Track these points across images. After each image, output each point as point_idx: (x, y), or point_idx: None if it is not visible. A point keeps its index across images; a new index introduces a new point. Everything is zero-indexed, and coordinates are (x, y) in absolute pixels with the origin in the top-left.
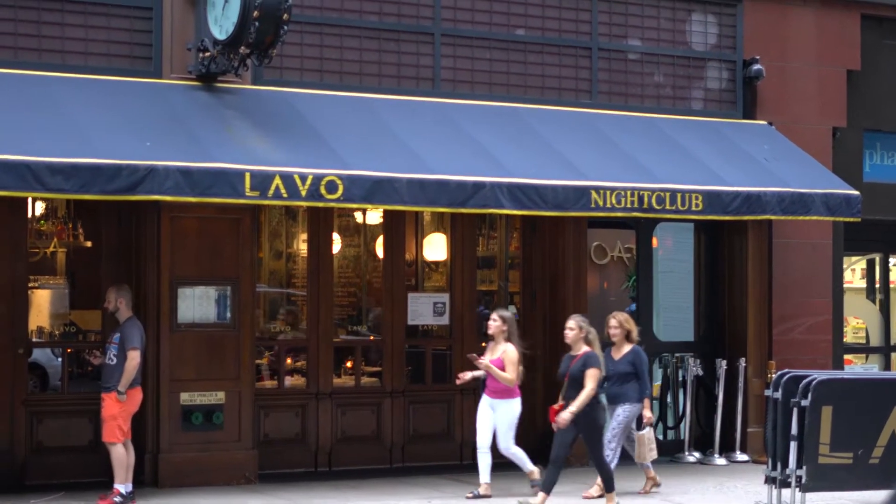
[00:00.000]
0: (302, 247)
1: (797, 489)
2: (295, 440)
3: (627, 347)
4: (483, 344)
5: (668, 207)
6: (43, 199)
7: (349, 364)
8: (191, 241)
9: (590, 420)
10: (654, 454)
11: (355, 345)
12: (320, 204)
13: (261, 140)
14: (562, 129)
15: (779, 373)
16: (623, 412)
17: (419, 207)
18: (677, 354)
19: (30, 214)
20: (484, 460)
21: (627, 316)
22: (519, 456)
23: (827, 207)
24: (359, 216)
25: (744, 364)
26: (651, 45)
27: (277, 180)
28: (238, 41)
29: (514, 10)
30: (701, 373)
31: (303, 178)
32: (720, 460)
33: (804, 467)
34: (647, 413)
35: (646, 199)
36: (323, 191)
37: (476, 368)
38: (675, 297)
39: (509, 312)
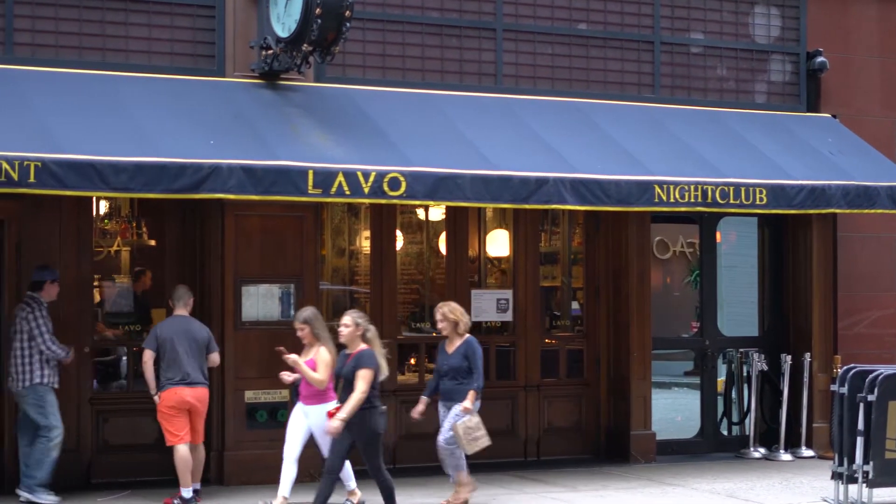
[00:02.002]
0: (364, 244)
1: (864, 485)
2: None
3: (459, 340)
4: (547, 340)
5: (731, 202)
6: (107, 199)
7: (413, 361)
8: (254, 239)
9: (364, 426)
10: (479, 444)
11: (419, 342)
12: (383, 201)
13: (323, 137)
14: (624, 124)
15: (844, 367)
16: (456, 410)
17: (482, 203)
18: (742, 350)
19: (94, 213)
20: (288, 472)
21: (454, 306)
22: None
23: (892, 200)
24: (421, 213)
25: (809, 359)
26: (714, 38)
27: (340, 177)
28: (300, 39)
29: (575, 5)
30: (766, 368)
31: (366, 175)
32: (786, 456)
33: (871, 462)
34: (466, 404)
35: (709, 194)
36: (386, 188)
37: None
38: (739, 292)
39: (310, 312)
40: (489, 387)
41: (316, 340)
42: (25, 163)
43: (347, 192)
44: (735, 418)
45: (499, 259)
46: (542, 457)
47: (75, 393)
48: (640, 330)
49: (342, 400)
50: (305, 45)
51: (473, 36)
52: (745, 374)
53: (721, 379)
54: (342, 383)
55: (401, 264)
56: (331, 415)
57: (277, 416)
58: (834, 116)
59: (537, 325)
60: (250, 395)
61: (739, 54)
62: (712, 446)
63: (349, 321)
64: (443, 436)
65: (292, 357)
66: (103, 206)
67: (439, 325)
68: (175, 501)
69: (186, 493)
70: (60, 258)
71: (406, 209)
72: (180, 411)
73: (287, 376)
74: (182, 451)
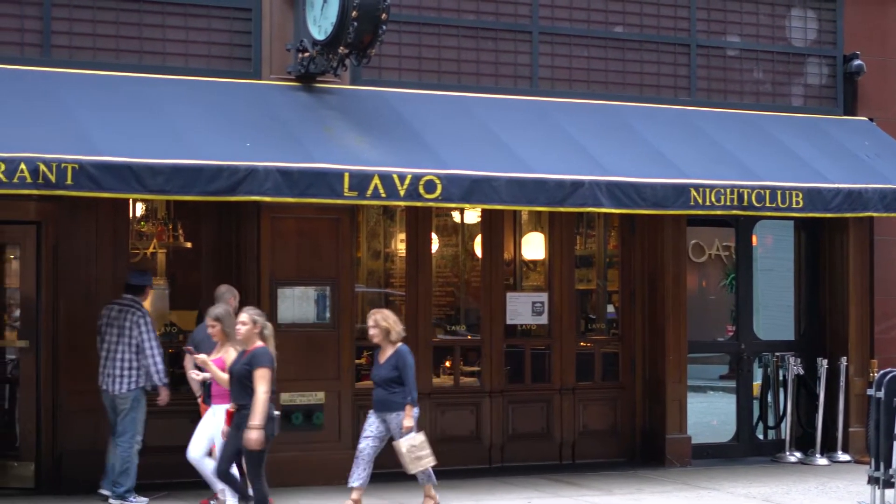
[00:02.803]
0: (400, 246)
1: None
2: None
3: (391, 349)
4: (582, 343)
5: (768, 205)
6: (143, 201)
7: (448, 364)
8: (290, 241)
9: (243, 431)
10: (422, 464)
11: (454, 344)
12: (419, 203)
13: (359, 140)
14: (660, 127)
15: (881, 372)
16: (395, 423)
17: (518, 206)
18: (777, 353)
19: (130, 215)
20: (204, 468)
21: (387, 313)
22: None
23: None
24: (457, 215)
25: (845, 363)
26: (750, 41)
27: (376, 180)
28: (337, 41)
29: (612, 8)
30: (802, 372)
31: (401, 177)
32: (822, 460)
33: None
34: (406, 422)
35: (745, 197)
36: (421, 190)
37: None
38: (775, 296)
39: (222, 310)
40: (524, 390)
41: (226, 339)
42: (63, 165)
43: (383, 195)
44: (771, 422)
45: (534, 262)
46: (577, 460)
47: None
48: (676, 333)
49: (234, 398)
50: (342, 47)
51: (509, 38)
52: (781, 377)
53: (757, 383)
54: (233, 381)
55: (436, 267)
56: (229, 414)
57: (313, 419)
58: (871, 120)
59: (572, 328)
60: (286, 398)
61: (776, 57)
62: (748, 450)
63: (246, 318)
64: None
65: (201, 357)
66: (139, 208)
67: (370, 332)
68: (211, 503)
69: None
70: (97, 260)
71: (442, 212)
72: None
73: (195, 375)
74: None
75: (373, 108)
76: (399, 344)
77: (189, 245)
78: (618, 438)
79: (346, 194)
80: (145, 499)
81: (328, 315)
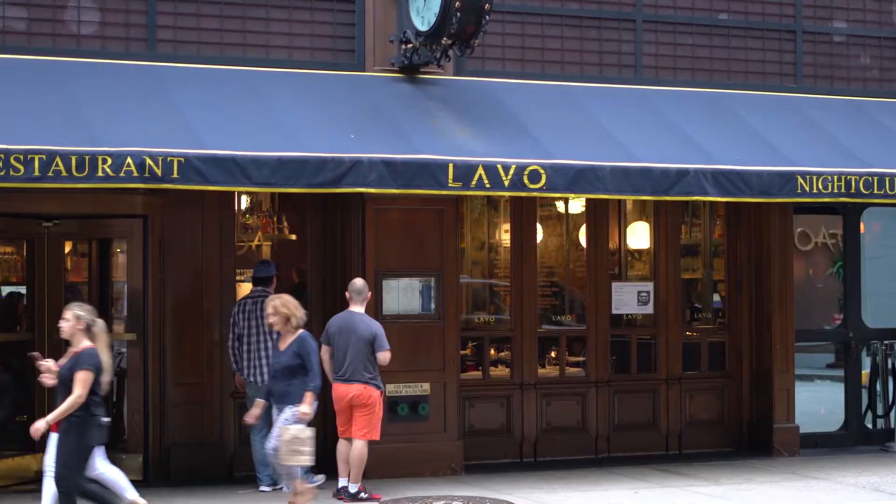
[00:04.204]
0: (504, 237)
1: None
2: (500, 431)
3: (292, 336)
4: (688, 333)
5: (875, 192)
6: (249, 193)
7: (553, 354)
8: (395, 232)
9: (77, 436)
10: (297, 460)
11: (559, 335)
12: (523, 194)
13: (463, 130)
14: (766, 114)
15: None
16: (292, 415)
17: (622, 196)
18: (886, 342)
19: (236, 208)
20: (48, 487)
21: (287, 298)
22: (111, 477)
23: None
24: (561, 205)
25: None
26: (857, 26)
27: (480, 170)
28: (440, 32)
29: None
30: None
31: (505, 167)
32: None
33: None
34: (303, 408)
35: (853, 184)
36: (526, 180)
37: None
38: (883, 283)
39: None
40: (629, 380)
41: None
42: (169, 158)
43: (487, 185)
44: (880, 411)
45: (639, 251)
46: (684, 450)
47: (218, 387)
48: (783, 322)
49: (59, 403)
50: (445, 38)
51: (613, 27)
52: (889, 366)
53: (865, 371)
54: (60, 385)
55: (540, 257)
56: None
57: (419, 410)
58: None
59: (678, 318)
60: (391, 389)
61: (883, 42)
62: (856, 439)
63: (69, 315)
64: (271, 442)
65: (45, 364)
66: (244, 201)
67: (270, 320)
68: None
69: (341, 482)
70: (203, 253)
71: (546, 202)
72: (340, 406)
73: (48, 380)
74: (339, 444)
75: (476, 98)
76: (301, 330)
77: (294, 237)
78: (725, 428)
79: (450, 185)
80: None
81: (433, 306)
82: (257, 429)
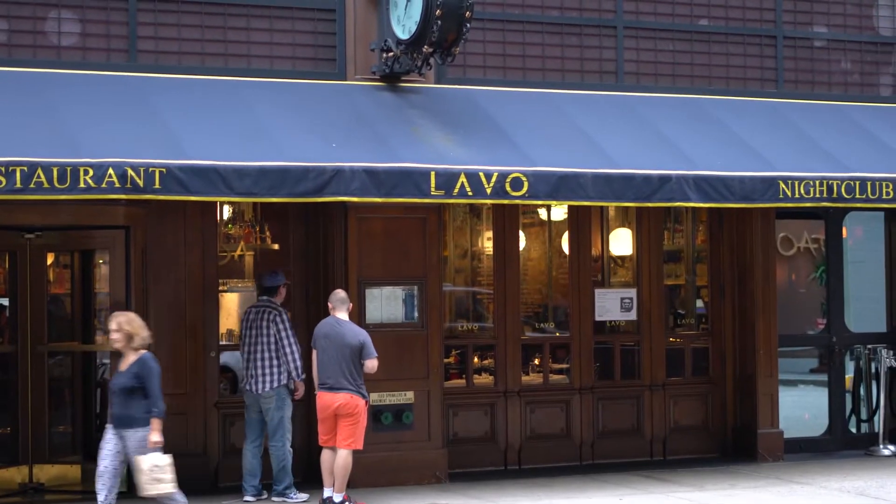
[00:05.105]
0: (487, 244)
1: None
2: (484, 439)
3: (134, 356)
4: (671, 339)
5: (857, 196)
6: (230, 203)
7: (537, 361)
8: (377, 241)
9: None
10: (160, 488)
11: (543, 342)
12: (505, 201)
13: (445, 138)
14: (748, 120)
15: None
16: (133, 440)
17: (605, 202)
18: (869, 346)
19: (218, 218)
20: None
21: (132, 316)
22: None
23: None
24: (543, 212)
25: None
26: (837, 31)
27: (462, 178)
28: (421, 40)
29: (696, 1)
30: (895, 364)
31: (488, 175)
32: None
33: None
34: (154, 437)
35: (835, 189)
36: (508, 188)
37: None
38: (866, 288)
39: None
40: (614, 386)
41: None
42: (150, 169)
43: (470, 193)
44: (864, 415)
45: (622, 258)
46: (668, 456)
47: (202, 398)
48: (766, 327)
49: None
50: (426, 46)
51: (594, 34)
52: (873, 370)
53: (849, 376)
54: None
55: (523, 265)
56: None
57: (402, 418)
58: None
59: (662, 324)
60: (375, 398)
61: (864, 47)
62: (841, 444)
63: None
64: (116, 478)
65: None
66: (227, 211)
67: (112, 337)
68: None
69: (326, 492)
70: (185, 263)
71: (528, 209)
72: (324, 415)
73: None
74: (323, 454)
75: (458, 106)
76: (143, 351)
77: (276, 247)
78: (709, 434)
79: (432, 193)
80: (305, 495)
81: (416, 314)
82: (251, 438)
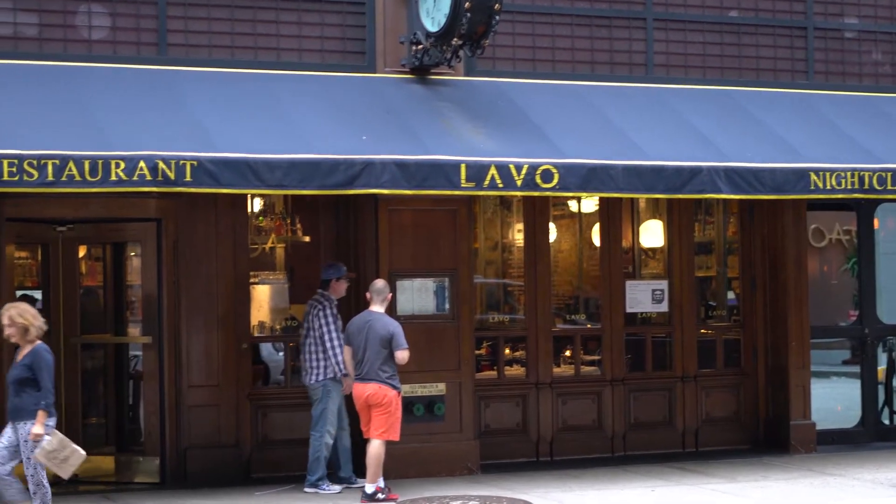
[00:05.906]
0: (517, 236)
1: None
2: (515, 430)
3: (29, 348)
4: (703, 330)
5: (889, 187)
6: (262, 196)
7: (568, 353)
8: (408, 233)
9: None
10: (75, 460)
11: (574, 333)
12: (535, 193)
13: (475, 131)
14: (778, 111)
15: None
16: (24, 432)
17: (635, 194)
18: None
19: (249, 211)
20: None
21: (24, 307)
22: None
23: None
24: (574, 204)
25: None
26: (868, 22)
27: (493, 170)
28: (450, 33)
29: None
30: None
31: (518, 167)
32: None
33: None
34: (35, 428)
35: (867, 180)
36: (538, 180)
37: None
38: None
39: None
40: (645, 378)
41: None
42: (181, 162)
43: (500, 185)
44: None
45: (653, 250)
46: (700, 448)
47: (234, 390)
48: (798, 319)
49: None
50: (455, 39)
51: (624, 26)
52: None
53: (881, 367)
54: None
55: (554, 256)
56: None
57: (434, 410)
58: None
59: (693, 316)
60: (407, 389)
61: (895, 38)
62: (873, 436)
63: None
64: (4, 467)
65: None
66: (258, 204)
67: (7, 332)
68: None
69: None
70: (216, 255)
71: (559, 201)
72: (359, 406)
73: None
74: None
75: (487, 98)
76: (37, 342)
77: (307, 239)
78: (741, 426)
79: (463, 185)
80: (338, 487)
81: (447, 306)
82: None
